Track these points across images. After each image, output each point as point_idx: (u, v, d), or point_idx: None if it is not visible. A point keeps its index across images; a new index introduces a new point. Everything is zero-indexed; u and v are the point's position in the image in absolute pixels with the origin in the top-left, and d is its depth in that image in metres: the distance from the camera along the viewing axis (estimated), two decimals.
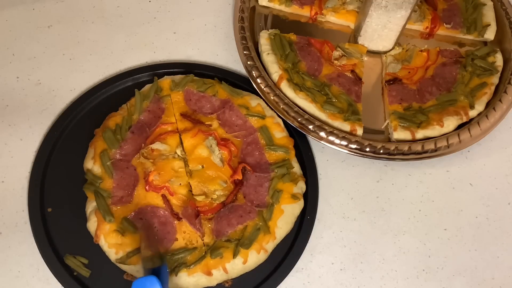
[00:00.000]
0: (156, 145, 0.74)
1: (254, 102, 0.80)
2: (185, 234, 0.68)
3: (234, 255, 0.66)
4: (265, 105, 0.79)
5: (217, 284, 0.67)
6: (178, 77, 0.82)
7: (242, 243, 0.67)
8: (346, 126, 0.77)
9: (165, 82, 0.81)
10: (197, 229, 0.68)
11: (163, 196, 0.70)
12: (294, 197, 0.72)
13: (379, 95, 0.86)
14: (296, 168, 0.75)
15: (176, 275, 0.65)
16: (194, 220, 0.69)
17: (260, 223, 0.69)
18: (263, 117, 0.78)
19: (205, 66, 0.86)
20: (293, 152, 0.76)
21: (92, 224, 0.68)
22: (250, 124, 0.78)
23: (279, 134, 0.77)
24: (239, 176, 0.72)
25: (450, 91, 0.82)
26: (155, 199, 0.70)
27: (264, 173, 0.73)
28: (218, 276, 0.66)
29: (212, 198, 0.71)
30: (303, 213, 0.72)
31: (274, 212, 0.70)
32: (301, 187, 0.73)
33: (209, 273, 0.66)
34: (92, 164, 0.72)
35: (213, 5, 0.95)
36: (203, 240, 0.68)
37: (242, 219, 0.69)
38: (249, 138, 0.76)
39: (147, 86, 0.80)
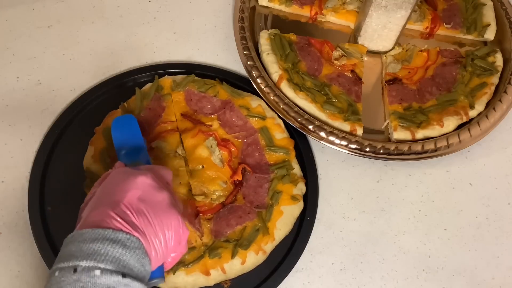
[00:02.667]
0: (156, 143, 0.74)
1: (255, 103, 0.80)
2: None
3: (233, 255, 0.66)
4: (266, 106, 0.79)
5: (216, 285, 0.67)
6: (179, 77, 0.82)
7: (240, 243, 0.67)
8: (346, 126, 0.77)
9: (166, 81, 0.81)
10: (196, 229, 0.68)
11: None
12: (294, 198, 0.71)
13: (379, 95, 0.86)
14: (296, 170, 0.75)
15: (174, 274, 0.65)
16: (194, 219, 0.69)
17: (259, 224, 0.69)
18: (263, 118, 0.78)
19: (205, 67, 0.86)
20: (293, 153, 0.76)
21: None
22: (251, 125, 0.78)
23: (280, 135, 0.77)
24: (239, 177, 0.72)
25: (450, 91, 0.82)
26: None
27: (264, 174, 0.73)
28: (216, 276, 0.66)
29: (211, 199, 0.71)
30: (303, 215, 0.72)
31: (274, 213, 0.70)
32: (301, 188, 0.73)
33: (207, 273, 0.66)
34: (91, 163, 0.72)
35: (213, 5, 0.95)
36: (202, 240, 0.68)
37: (241, 220, 0.69)
38: (250, 139, 0.76)
39: (148, 85, 0.80)
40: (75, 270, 0.44)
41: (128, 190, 0.51)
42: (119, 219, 0.48)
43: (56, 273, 0.45)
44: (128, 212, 0.49)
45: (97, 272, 0.44)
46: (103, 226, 0.47)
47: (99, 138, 0.74)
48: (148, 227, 0.50)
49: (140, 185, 0.52)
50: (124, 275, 0.45)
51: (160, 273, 0.54)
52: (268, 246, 0.68)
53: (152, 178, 0.54)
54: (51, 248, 0.67)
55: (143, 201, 0.51)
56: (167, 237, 0.51)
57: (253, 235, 0.68)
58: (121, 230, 0.47)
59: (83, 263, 0.44)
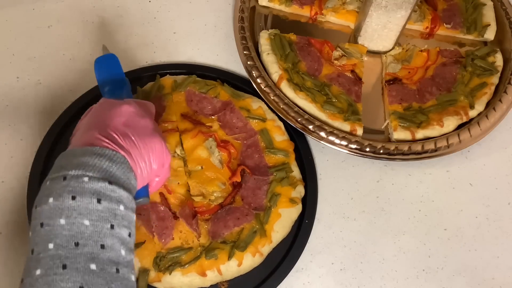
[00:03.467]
0: None
1: (255, 104, 0.80)
2: (181, 234, 0.68)
3: (229, 257, 0.66)
4: (266, 108, 0.79)
5: (212, 286, 0.67)
6: (180, 77, 0.82)
7: (237, 245, 0.67)
8: (346, 126, 0.77)
9: (167, 80, 0.81)
10: (194, 230, 0.68)
11: (161, 194, 0.70)
12: (292, 201, 0.71)
13: (379, 95, 0.86)
14: (296, 172, 0.75)
15: (170, 274, 0.65)
16: (191, 220, 0.69)
17: (257, 226, 0.69)
18: (263, 120, 0.78)
19: (206, 68, 0.86)
20: (293, 156, 0.76)
21: None
22: (251, 126, 0.77)
23: (280, 137, 0.77)
24: (237, 178, 0.72)
25: (450, 91, 0.82)
26: (153, 196, 0.70)
27: (263, 176, 0.73)
28: (212, 277, 0.66)
29: (210, 199, 0.71)
30: (302, 217, 0.72)
31: (272, 215, 0.70)
32: (299, 191, 0.73)
33: (203, 274, 0.66)
34: None
35: (213, 5, 0.95)
36: (199, 240, 0.68)
37: (239, 222, 0.69)
38: (249, 141, 0.76)
39: (149, 84, 0.80)
40: (64, 178, 0.47)
41: (113, 117, 0.54)
42: (106, 139, 0.51)
43: (47, 183, 0.48)
44: (115, 135, 0.52)
45: (85, 179, 0.47)
46: (91, 145, 0.51)
47: None
48: (134, 148, 0.53)
49: (125, 112, 0.55)
50: (110, 183, 0.48)
51: (145, 192, 0.58)
52: (265, 248, 0.68)
53: (135, 107, 0.57)
54: None
55: (128, 126, 0.54)
56: (151, 159, 0.55)
57: (250, 237, 0.68)
58: (108, 148, 0.50)
59: (72, 172, 0.47)
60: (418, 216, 0.76)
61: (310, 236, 0.71)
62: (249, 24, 0.87)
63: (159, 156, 0.56)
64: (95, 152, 0.49)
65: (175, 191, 0.71)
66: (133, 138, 0.53)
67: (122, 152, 0.51)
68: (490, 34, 0.90)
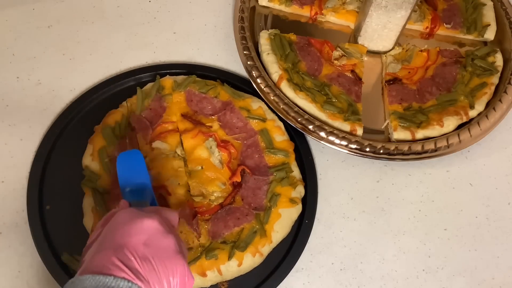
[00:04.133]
0: (156, 144, 0.74)
1: (255, 104, 0.80)
2: (181, 234, 0.68)
3: (229, 257, 0.66)
4: (266, 108, 0.79)
5: (212, 286, 0.67)
6: (180, 77, 0.82)
7: (237, 245, 0.67)
8: (346, 126, 0.77)
9: (167, 81, 0.81)
10: (194, 230, 0.68)
11: (161, 196, 0.70)
12: (292, 201, 0.71)
13: (379, 95, 0.86)
14: (296, 172, 0.75)
15: None
16: (192, 220, 0.68)
17: (257, 226, 0.69)
18: (263, 120, 0.78)
19: (206, 68, 0.86)
20: (293, 156, 0.76)
21: (88, 220, 0.68)
22: (251, 126, 0.77)
23: (280, 137, 0.77)
24: (238, 178, 0.72)
25: (450, 91, 0.82)
26: None
27: (263, 176, 0.73)
28: (213, 277, 0.66)
29: (210, 200, 0.71)
30: (302, 217, 0.72)
31: (272, 215, 0.70)
32: (299, 191, 0.73)
33: (203, 274, 0.66)
34: (90, 161, 0.72)
35: (213, 5, 0.95)
36: (199, 240, 0.68)
37: (239, 222, 0.69)
38: (249, 141, 0.76)
39: (149, 85, 0.80)
40: None
41: (133, 234, 0.50)
42: (122, 265, 0.46)
43: None
44: (132, 258, 0.47)
45: None
46: (104, 273, 0.45)
47: (98, 136, 0.74)
48: (152, 274, 0.48)
49: (146, 229, 0.50)
50: None
51: None
52: (265, 248, 0.68)
53: (159, 222, 0.52)
54: (50, 248, 0.67)
55: (149, 246, 0.49)
56: (172, 285, 0.49)
57: (250, 237, 0.68)
58: (124, 278, 0.45)
59: None
60: (418, 216, 0.76)
61: (310, 236, 0.71)
62: (249, 24, 0.87)
63: (181, 280, 0.50)
64: (108, 285, 0.44)
65: (175, 192, 0.71)
66: (152, 262, 0.48)
67: (139, 283, 0.46)
68: (490, 34, 0.90)
